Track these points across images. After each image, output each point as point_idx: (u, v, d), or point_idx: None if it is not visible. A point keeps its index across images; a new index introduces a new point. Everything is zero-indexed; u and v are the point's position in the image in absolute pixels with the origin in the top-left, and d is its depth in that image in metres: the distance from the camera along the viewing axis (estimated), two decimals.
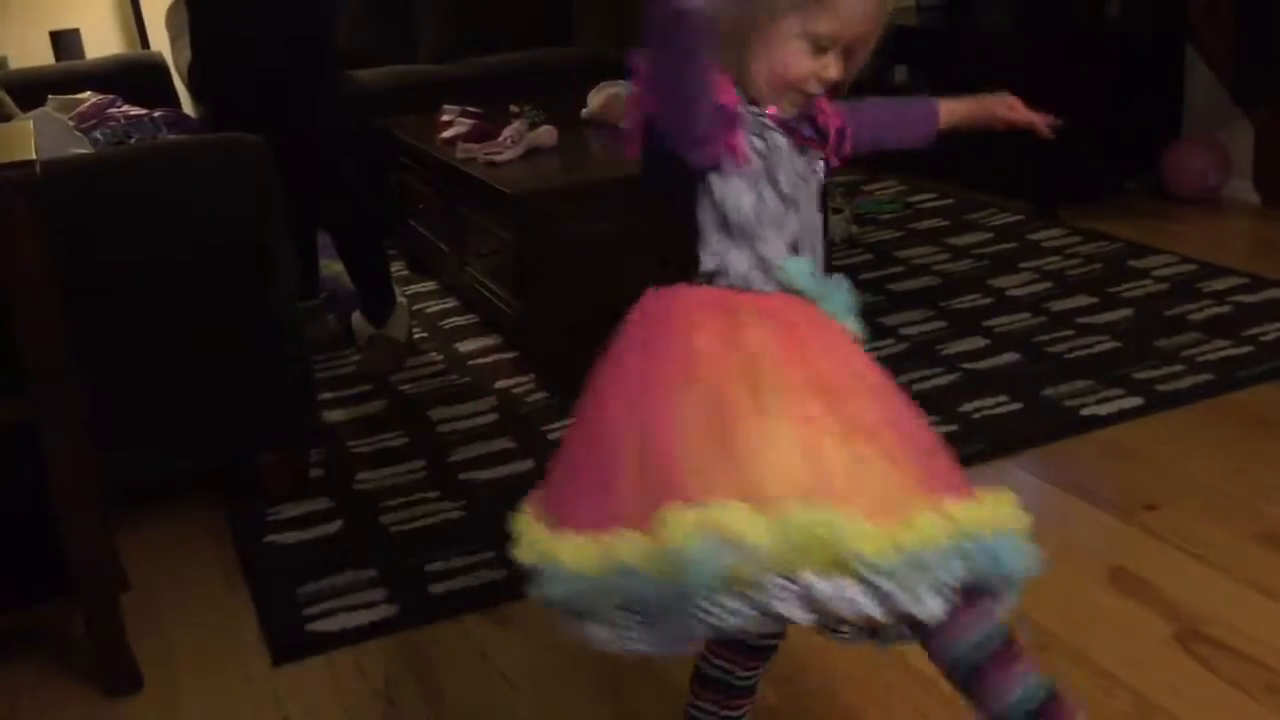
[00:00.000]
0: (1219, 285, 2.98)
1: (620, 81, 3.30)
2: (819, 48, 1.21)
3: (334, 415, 2.73)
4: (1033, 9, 3.76)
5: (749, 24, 1.19)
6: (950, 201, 3.94)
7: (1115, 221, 3.52)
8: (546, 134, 3.00)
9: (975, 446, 2.25)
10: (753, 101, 1.23)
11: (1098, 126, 3.58)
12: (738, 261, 1.23)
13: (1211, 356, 2.57)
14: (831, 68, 1.23)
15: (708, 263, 1.23)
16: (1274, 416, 2.32)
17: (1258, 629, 1.68)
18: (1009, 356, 2.67)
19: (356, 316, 3.08)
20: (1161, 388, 2.44)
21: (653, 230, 1.36)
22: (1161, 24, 3.72)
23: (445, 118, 3.28)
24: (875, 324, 2.97)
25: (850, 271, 3.26)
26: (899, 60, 4.37)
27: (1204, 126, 3.75)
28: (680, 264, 1.26)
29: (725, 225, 1.22)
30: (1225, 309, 2.83)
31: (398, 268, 3.66)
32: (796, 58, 1.21)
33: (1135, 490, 2.08)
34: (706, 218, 1.23)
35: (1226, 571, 1.82)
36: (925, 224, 3.75)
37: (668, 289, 1.25)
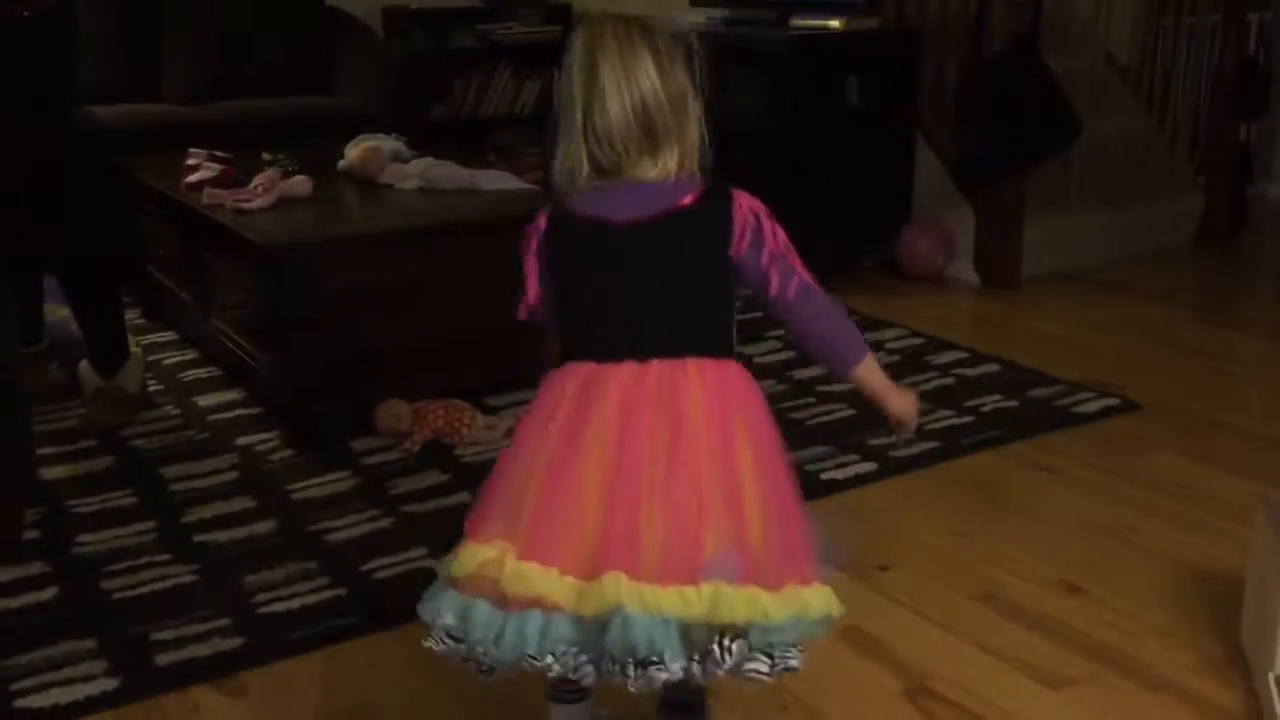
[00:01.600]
0: (944, 358, 3.20)
1: (378, 135, 3.26)
2: None
3: (54, 472, 2.53)
4: (781, 95, 3.96)
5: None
6: None
7: (852, 296, 3.72)
8: (300, 184, 2.92)
9: None
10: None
11: (837, 206, 3.79)
12: None
13: (938, 425, 2.75)
14: None
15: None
16: (992, 482, 2.50)
17: (978, 684, 1.79)
18: None
19: (84, 366, 2.88)
20: (893, 454, 2.58)
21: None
22: (896, 115, 4.00)
23: (190, 161, 3.14)
24: None
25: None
26: None
27: (932, 211, 4.04)
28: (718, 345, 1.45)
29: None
30: (949, 380, 3.04)
31: (133, 316, 3.45)
32: None
33: (869, 551, 2.18)
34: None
35: (950, 629, 1.94)
36: None
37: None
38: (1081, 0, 4.29)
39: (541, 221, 1.46)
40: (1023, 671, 1.82)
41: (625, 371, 1.37)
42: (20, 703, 1.75)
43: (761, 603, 1.28)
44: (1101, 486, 2.47)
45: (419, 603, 1.41)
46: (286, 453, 2.62)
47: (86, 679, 1.81)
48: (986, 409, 2.86)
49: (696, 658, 1.29)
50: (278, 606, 2.01)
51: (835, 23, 3.89)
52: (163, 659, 1.86)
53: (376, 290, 2.66)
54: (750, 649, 1.29)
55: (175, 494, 2.43)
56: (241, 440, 2.70)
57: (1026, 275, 3.91)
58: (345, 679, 1.82)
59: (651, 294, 1.40)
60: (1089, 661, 1.85)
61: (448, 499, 2.40)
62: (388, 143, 3.20)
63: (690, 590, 1.27)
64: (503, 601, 1.32)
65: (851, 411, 2.79)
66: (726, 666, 1.29)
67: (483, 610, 1.33)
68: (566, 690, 1.49)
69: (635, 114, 1.39)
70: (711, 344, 1.43)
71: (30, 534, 2.25)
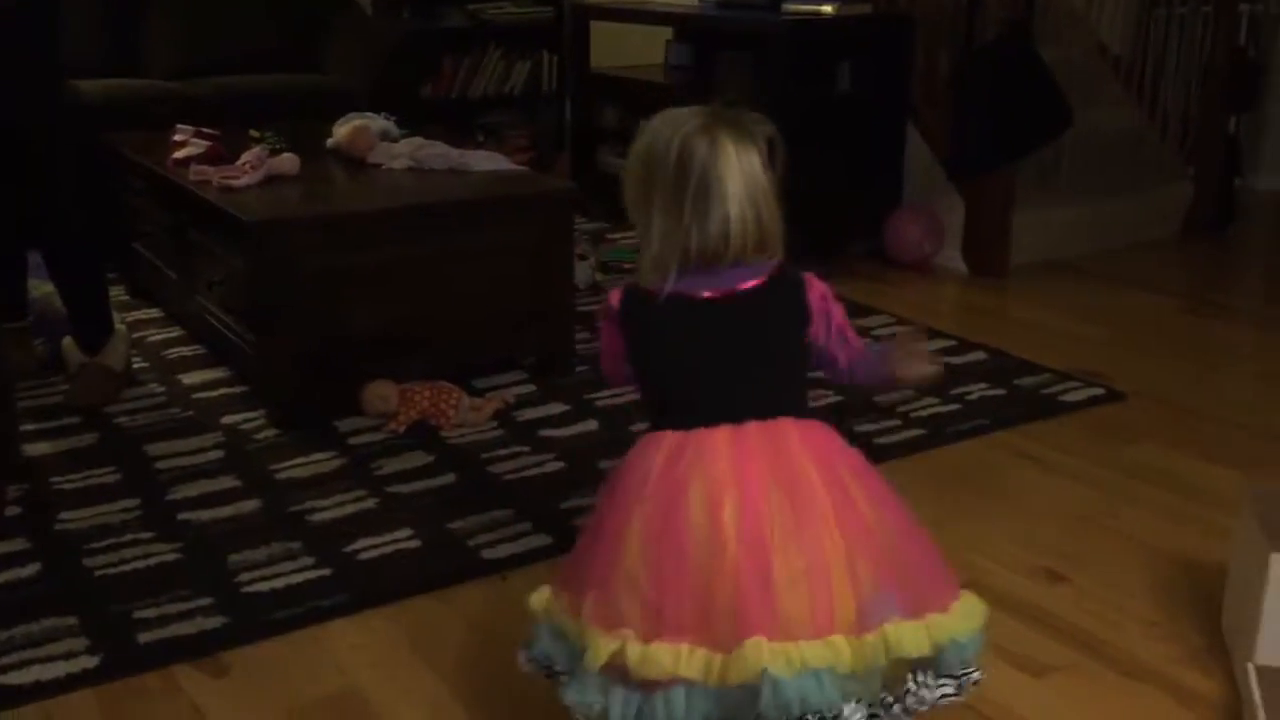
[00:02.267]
0: (931, 346, 3.18)
1: (367, 113, 3.24)
2: None
3: (37, 448, 2.52)
4: (772, 79, 3.94)
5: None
6: None
7: (841, 283, 3.69)
8: (288, 161, 2.90)
9: None
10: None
11: (828, 193, 3.79)
12: None
13: (924, 413, 2.75)
14: None
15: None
16: (976, 470, 2.50)
17: None
18: None
19: (68, 342, 2.86)
20: (879, 441, 2.58)
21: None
22: (887, 102, 3.99)
23: (178, 138, 3.11)
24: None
25: (594, 319, 3.32)
26: (645, 115, 4.50)
27: (922, 198, 4.04)
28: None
29: None
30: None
31: (118, 293, 3.43)
32: None
33: None
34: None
35: None
36: None
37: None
38: None
39: (615, 300, 1.48)
40: (1005, 659, 1.83)
41: (722, 435, 1.37)
42: (1, 679, 1.74)
43: (945, 626, 1.33)
44: (1086, 475, 2.48)
45: (564, 689, 1.39)
46: (271, 432, 2.61)
47: (68, 656, 1.80)
48: (973, 397, 2.86)
49: (888, 700, 1.33)
50: (261, 586, 2.00)
51: (828, 8, 3.88)
52: (145, 637, 1.85)
53: (364, 270, 2.64)
54: (938, 675, 1.34)
55: (159, 472, 2.42)
56: (226, 419, 2.68)
57: (1015, 264, 3.92)
58: (328, 659, 1.82)
59: (739, 362, 1.42)
60: (1071, 649, 1.86)
61: (433, 480, 2.39)
62: (376, 122, 3.18)
63: (839, 639, 1.28)
64: (638, 683, 1.31)
65: (839, 398, 2.79)
66: (928, 700, 1.33)
67: (618, 696, 1.32)
68: None
69: (752, 213, 1.40)
70: (796, 406, 1.44)
71: (12, 510, 2.23)
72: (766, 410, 1.40)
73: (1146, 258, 4.17)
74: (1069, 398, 2.87)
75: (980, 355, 3.14)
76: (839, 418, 2.65)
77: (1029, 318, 3.49)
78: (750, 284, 1.43)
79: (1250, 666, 1.68)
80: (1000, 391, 2.90)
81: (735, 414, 1.39)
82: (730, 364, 1.43)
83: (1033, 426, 2.71)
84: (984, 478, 2.47)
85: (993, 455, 2.58)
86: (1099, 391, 2.91)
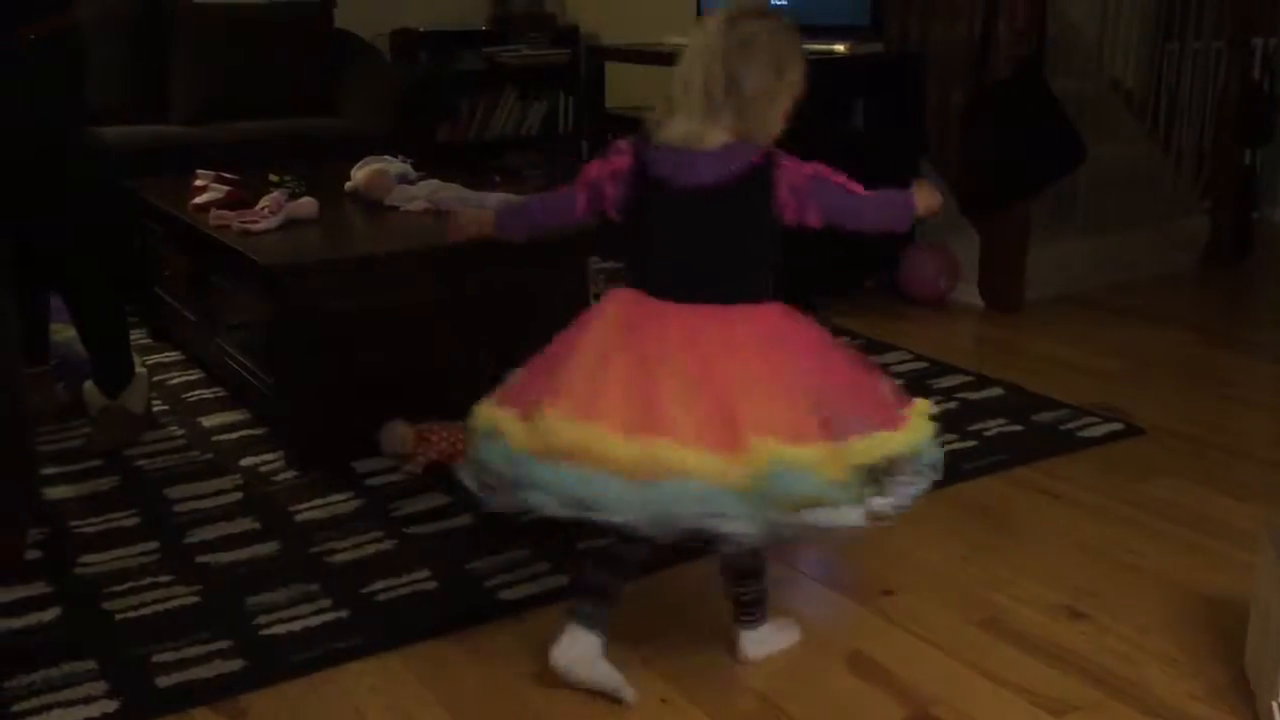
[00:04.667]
0: (948, 382, 3.20)
1: (385, 156, 3.27)
2: None
3: (58, 492, 2.54)
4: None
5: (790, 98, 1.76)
6: None
7: (856, 318, 3.73)
8: (307, 205, 2.93)
9: None
10: None
11: (843, 228, 3.79)
12: None
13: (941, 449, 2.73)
14: None
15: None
16: (995, 506, 2.49)
17: (981, 711, 1.79)
18: None
19: (89, 386, 2.89)
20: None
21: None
22: (901, 138, 4.01)
23: (199, 183, 3.16)
24: None
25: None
26: None
27: (937, 233, 4.04)
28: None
29: None
30: (953, 404, 3.03)
31: (139, 336, 3.47)
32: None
33: (873, 576, 2.18)
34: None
35: (953, 655, 1.93)
36: None
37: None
38: (1086, 25, 4.31)
39: (626, 148, 1.77)
40: (1026, 698, 1.81)
41: (674, 309, 1.71)
42: None
43: (906, 437, 1.69)
44: (1106, 511, 2.46)
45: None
46: (290, 474, 2.62)
47: (87, 700, 1.80)
48: (990, 433, 2.85)
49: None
50: (279, 628, 2.00)
51: (840, 47, 3.90)
52: (164, 681, 1.86)
53: (382, 312, 2.66)
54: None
55: (178, 515, 2.44)
56: (245, 461, 2.70)
57: (1030, 299, 3.91)
58: (346, 702, 1.82)
59: (702, 253, 1.74)
60: (1092, 688, 1.85)
61: (451, 521, 2.40)
62: (394, 164, 3.22)
63: (837, 445, 1.62)
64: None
65: None
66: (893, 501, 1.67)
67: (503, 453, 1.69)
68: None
69: (698, 76, 1.73)
70: (757, 289, 1.75)
71: (33, 554, 2.25)
72: (725, 296, 1.69)
73: (1163, 291, 4.16)
74: (1087, 433, 2.86)
75: (997, 391, 3.13)
76: None
77: (1046, 352, 3.48)
78: (721, 180, 1.68)
79: (1274, 705, 1.67)
80: (1018, 427, 2.89)
81: (694, 296, 1.69)
82: (694, 254, 1.71)
83: (1051, 462, 2.70)
84: (1002, 514, 2.46)
85: (1011, 491, 2.57)
86: (1117, 426, 2.89)
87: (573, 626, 1.77)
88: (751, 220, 1.72)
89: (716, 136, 1.71)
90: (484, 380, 1.78)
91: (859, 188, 1.78)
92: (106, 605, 2.08)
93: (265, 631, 2.00)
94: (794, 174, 1.72)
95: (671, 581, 2.16)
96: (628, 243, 1.79)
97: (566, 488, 1.61)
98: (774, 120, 1.74)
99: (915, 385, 3.16)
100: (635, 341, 1.67)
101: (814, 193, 1.72)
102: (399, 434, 2.65)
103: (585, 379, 1.65)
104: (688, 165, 1.70)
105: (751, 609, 1.88)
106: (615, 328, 1.70)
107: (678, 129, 1.71)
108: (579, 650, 1.76)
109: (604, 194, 1.79)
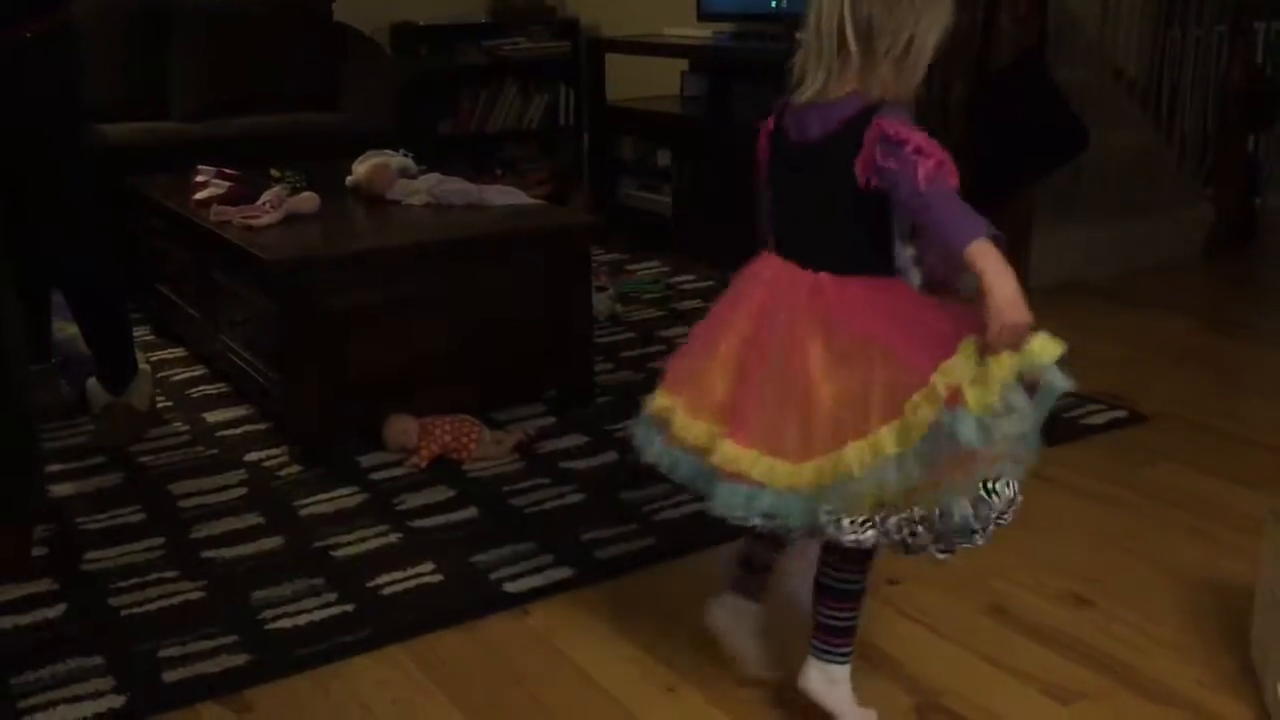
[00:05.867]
0: None
1: (386, 151, 3.27)
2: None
3: (62, 489, 2.54)
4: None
5: (926, 47, 1.52)
6: (710, 283, 4.07)
7: None
8: (308, 200, 2.93)
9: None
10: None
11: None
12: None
13: None
14: None
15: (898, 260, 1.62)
16: None
17: (989, 699, 1.79)
18: None
19: (92, 383, 2.89)
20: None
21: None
22: None
23: (199, 179, 3.15)
24: (636, 401, 3.01)
25: (613, 349, 3.33)
26: (661, 145, 4.53)
27: None
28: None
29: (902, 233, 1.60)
30: None
31: (142, 332, 3.47)
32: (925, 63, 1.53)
33: (878, 565, 2.17)
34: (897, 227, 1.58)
35: (960, 643, 1.93)
36: (686, 305, 3.85)
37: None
38: (1087, 13, 4.29)
39: (770, 118, 1.65)
40: (1033, 686, 1.81)
41: (801, 278, 1.59)
42: None
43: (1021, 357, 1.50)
44: (1110, 498, 2.46)
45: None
46: (294, 469, 2.62)
47: (94, 696, 1.81)
48: None
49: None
50: (285, 623, 2.01)
51: None
52: (170, 676, 1.86)
53: (384, 306, 2.66)
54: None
55: (183, 510, 2.44)
56: (250, 456, 2.70)
57: (1033, 286, 3.86)
58: (352, 696, 1.82)
59: (806, 212, 1.61)
60: (1099, 675, 1.84)
61: (455, 514, 2.40)
62: (395, 159, 3.21)
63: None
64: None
65: None
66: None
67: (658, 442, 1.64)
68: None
69: (828, 23, 1.53)
70: (869, 262, 1.61)
71: (39, 551, 2.25)
72: (830, 264, 1.55)
73: (1166, 278, 4.15)
74: (1091, 420, 2.85)
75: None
76: None
77: None
78: (822, 135, 1.52)
79: None
80: None
81: (808, 262, 1.56)
82: (801, 216, 1.60)
83: (1055, 450, 2.68)
84: None
85: None
86: (1121, 414, 2.89)
87: (731, 593, 1.79)
88: (839, 181, 1.51)
89: (841, 89, 1.52)
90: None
91: (942, 181, 1.47)
92: (112, 601, 2.08)
93: (271, 626, 2.00)
94: (875, 135, 1.47)
95: (680, 571, 2.16)
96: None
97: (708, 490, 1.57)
98: (909, 68, 1.52)
99: None
100: (764, 328, 1.56)
101: (879, 160, 1.47)
102: (402, 428, 2.65)
103: (714, 375, 1.58)
104: (804, 121, 1.55)
105: (833, 638, 1.66)
106: (749, 311, 1.59)
107: (810, 86, 1.53)
108: (733, 617, 1.79)
109: (758, 166, 1.67)
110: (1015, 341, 1.47)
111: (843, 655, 1.66)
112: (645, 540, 2.27)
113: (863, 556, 1.62)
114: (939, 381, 1.45)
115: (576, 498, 2.47)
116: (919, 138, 1.45)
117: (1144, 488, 2.50)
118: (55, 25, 2.54)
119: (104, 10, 4.15)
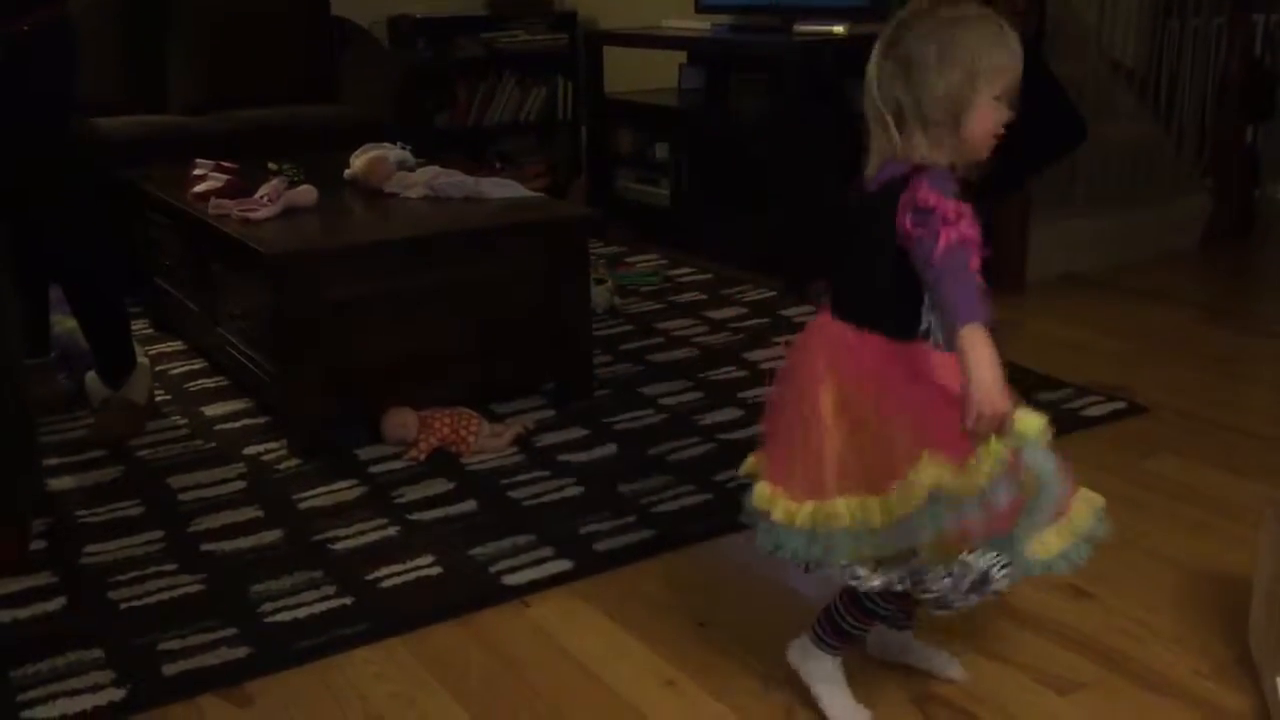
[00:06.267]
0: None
1: (384, 143, 3.27)
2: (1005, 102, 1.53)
3: (61, 483, 2.54)
4: (785, 101, 3.96)
5: (962, 101, 1.51)
6: (708, 276, 4.08)
7: None
8: (306, 193, 2.93)
9: (731, 515, 2.30)
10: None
11: (833, 210, 3.79)
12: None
13: None
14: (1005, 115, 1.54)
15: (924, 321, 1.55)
16: None
17: (986, 690, 1.79)
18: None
19: (91, 377, 2.89)
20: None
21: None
22: None
23: (197, 172, 3.15)
24: (635, 394, 3.02)
25: (612, 342, 3.34)
26: (659, 138, 4.53)
27: None
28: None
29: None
30: None
31: (140, 326, 3.47)
32: (996, 116, 1.54)
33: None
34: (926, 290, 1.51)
35: (957, 634, 1.93)
36: (685, 297, 3.85)
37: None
38: (1085, 4, 4.29)
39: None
40: (1031, 676, 1.82)
41: (843, 333, 1.59)
42: (28, 714, 1.75)
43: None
44: (1109, 490, 2.43)
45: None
46: (293, 462, 2.62)
47: (94, 689, 1.81)
48: None
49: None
50: (284, 616, 2.01)
51: (839, 28, 3.89)
52: (170, 669, 1.86)
53: (382, 299, 2.66)
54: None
55: (182, 504, 2.44)
56: (248, 450, 2.70)
57: (1033, 278, 3.91)
58: (351, 688, 1.83)
59: (848, 265, 1.65)
60: (1097, 666, 1.85)
61: (454, 507, 2.40)
62: (393, 151, 3.21)
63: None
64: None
65: None
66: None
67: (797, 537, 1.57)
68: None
69: (876, 92, 1.62)
70: (890, 322, 1.56)
71: (38, 544, 2.25)
72: (861, 318, 1.54)
73: (1166, 269, 4.16)
74: (1090, 412, 2.85)
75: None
76: None
77: (1048, 332, 3.47)
78: (868, 194, 1.54)
79: (1279, 681, 1.67)
80: None
81: (845, 314, 1.57)
82: (845, 265, 1.62)
83: (1055, 442, 2.69)
84: None
85: None
86: (1120, 405, 2.89)
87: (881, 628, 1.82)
88: (876, 240, 1.51)
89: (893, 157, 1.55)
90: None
91: (959, 256, 1.47)
92: (112, 594, 2.09)
93: (270, 619, 2.00)
94: (908, 200, 1.46)
95: (679, 563, 2.16)
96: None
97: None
98: (949, 132, 1.53)
99: None
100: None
101: (909, 225, 1.46)
102: (401, 421, 2.65)
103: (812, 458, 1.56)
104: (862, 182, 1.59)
105: (832, 634, 1.71)
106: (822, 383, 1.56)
107: (871, 163, 1.58)
108: (893, 645, 1.84)
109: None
110: (993, 430, 1.46)
111: (831, 648, 1.71)
112: (644, 532, 2.27)
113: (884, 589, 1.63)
114: (923, 479, 1.47)
115: (575, 490, 2.47)
116: (949, 207, 1.44)
117: (1143, 479, 2.50)
118: (53, 19, 2.54)
119: (102, 3, 4.14)
